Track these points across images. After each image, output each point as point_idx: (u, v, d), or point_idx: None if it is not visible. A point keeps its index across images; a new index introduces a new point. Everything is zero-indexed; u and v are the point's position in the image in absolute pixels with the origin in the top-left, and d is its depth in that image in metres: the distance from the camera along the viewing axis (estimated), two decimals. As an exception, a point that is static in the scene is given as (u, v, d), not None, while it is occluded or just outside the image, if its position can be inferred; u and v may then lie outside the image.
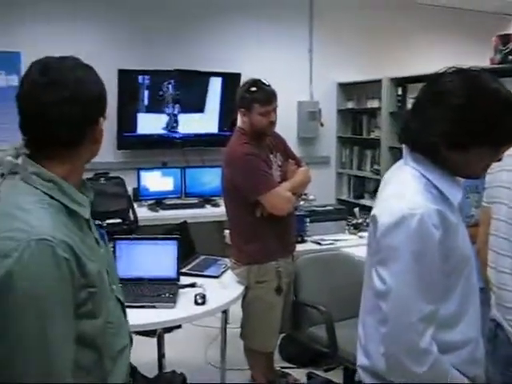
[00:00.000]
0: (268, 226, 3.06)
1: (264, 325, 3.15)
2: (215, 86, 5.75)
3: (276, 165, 3.17)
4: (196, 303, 2.73)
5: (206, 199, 5.43)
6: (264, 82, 3.08)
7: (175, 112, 5.62)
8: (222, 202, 5.31)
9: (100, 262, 1.42)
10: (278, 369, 3.70)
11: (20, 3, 5.16)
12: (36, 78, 1.33)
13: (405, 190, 1.51)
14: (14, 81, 4.99)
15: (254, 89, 3.04)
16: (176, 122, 5.64)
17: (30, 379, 1.20)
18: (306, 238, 4.09)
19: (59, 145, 1.36)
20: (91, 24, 5.41)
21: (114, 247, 2.95)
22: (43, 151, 1.37)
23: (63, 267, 1.23)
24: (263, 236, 3.07)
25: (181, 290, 2.88)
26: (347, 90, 6.50)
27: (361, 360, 1.67)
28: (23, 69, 4.37)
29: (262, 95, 3.03)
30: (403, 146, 1.64)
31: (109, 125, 5.25)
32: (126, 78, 5.30)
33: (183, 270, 3.12)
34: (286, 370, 3.78)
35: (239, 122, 3.21)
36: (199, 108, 5.73)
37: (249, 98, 3.03)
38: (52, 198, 1.34)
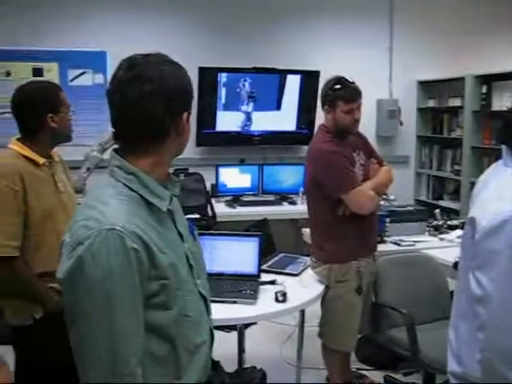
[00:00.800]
0: (350, 224, 3.02)
1: (344, 324, 3.12)
2: (293, 84, 5.75)
3: (359, 163, 3.13)
4: (276, 300, 2.73)
5: (282, 197, 5.43)
6: (348, 79, 3.04)
7: (251, 109, 5.66)
8: (298, 199, 5.36)
9: (176, 254, 1.43)
10: (355, 370, 3.66)
11: (106, 4, 5.34)
12: (122, 74, 1.37)
13: (507, 192, 1.45)
14: (100, 79, 5.17)
15: (338, 86, 3.00)
16: (250, 119, 5.67)
17: (96, 362, 1.25)
18: (385, 239, 4.02)
19: (144, 139, 1.39)
20: (173, 23, 5.53)
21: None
22: (129, 145, 1.41)
23: (131, 257, 1.26)
24: (345, 235, 3.03)
25: (261, 287, 2.89)
26: (428, 88, 6.34)
27: (452, 366, 1.62)
28: (109, 67, 4.55)
29: (346, 92, 2.99)
30: (502, 146, 1.58)
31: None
32: (206, 75, 5.38)
33: (263, 267, 3.13)
34: (363, 372, 3.73)
35: (324, 120, 3.19)
36: (276, 105, 5.74)
37: (333, 95, 3.00)
38: (131, 189, 1.37)
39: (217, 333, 3.32)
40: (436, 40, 6.21)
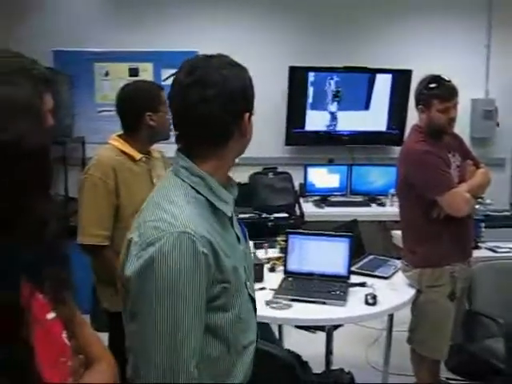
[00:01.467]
0: (444, 227, 2.92)
1: (436, 331, 3.01)
2: (384, 83, 5.62)
3: (454, 165, 3.02)
4: (366, 303, 2.68)
5: (371, 198, 5.34)
6: (444, 77, 2.95)
7: (337, 108, 5.59)
8: (388, 201, 5.25)
9: (237, 258, 1.45)
10: (444, 379, 3.54)
11: (197, 5, 5.43)
12: (182, 78, 1.38)
13: None
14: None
15: (433, 85, 2.92)
16: (336, 118, 5.60)
17: (156, 360, 1.26)
18: (480, 245, 3.86)
19: (207, 142, 1.40)
20: (264, 23, 5.54)
21: (286, 240, 3.01)
22: (191, 148, 1.42)
23: (201, 261, 1.28)
24: (438, 238, 2.94)
25: (350, 289, 2.85)
26: (528, 87, 6.03)
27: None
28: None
29: (442, 91, 2.90)
30: None
31: (278, 121, 5.38)
32: (297, 74, 5.39)
33: (352, 269, 3.08)
34: (452, 382, 3.60)
35: (417, 120, 3.10)
36: (365, 105, 5.65)
37: (428, 94, 2.92)
38: (198, 192, 1.38)
39: (302, 333, 3.33)
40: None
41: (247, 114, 1.42)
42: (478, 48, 5.96)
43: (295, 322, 2.64)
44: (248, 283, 1.54)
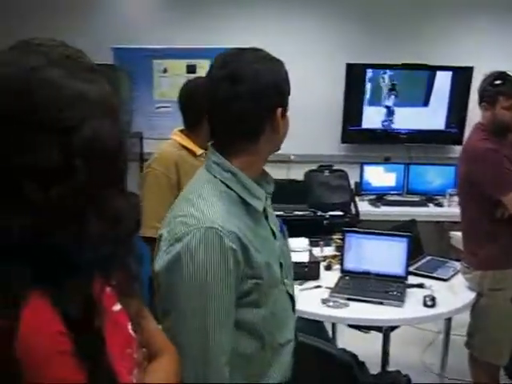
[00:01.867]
0: (508, 228, 2.83)
1: (497, 336, 2.92)
2: (443, 81, 5.49)
3: None
4: (425, 305, 2.62)
5: (428, 198, 5.22)
6: (510, 74, 2.87)
7: (394, 104, 5.49)
8: (445, 201, 5.13)
9: (271, 253, 1.43)
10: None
11: (251, 2, 5.43)
12: (215, 73, 1.37)
13: None
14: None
15: (499, 81, 2.84)
16: (393, 114, 5.51)
17: (187, 354, 1.24)
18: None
19: (238, 137, 1.38)
20: (321, 19, 5.49)
21: (343, 238, 2.98)
22: (223, 143, 1.41)
23: (229, 256, 1.26)
24: (502, 240, 2.85)
25: (408, 290, 2.79)
26: None
27: None
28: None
29: (508, 88, 2.82)
30: None
31: (334, 118, 5.33)
32: (354, 71, 5.33)
33: (410, 269, 3.02)
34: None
35: (480, 118, 3.01)
36: (423, 103, 5.53)
37: (493, 90, 2.84)
38: (229, 187, 1.37)
39: (354, 333, 3.27)
40: None
41: (280, 110, 1.39)
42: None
43: (352, 322, 2.61)
44: (286, 280, 1.52)
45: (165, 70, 5.47)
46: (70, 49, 0.91)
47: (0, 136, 0.80)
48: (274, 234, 1.51)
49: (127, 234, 0.90)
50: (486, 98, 2.89)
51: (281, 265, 1.49)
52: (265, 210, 1.48)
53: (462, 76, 5.39)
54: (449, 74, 5.47)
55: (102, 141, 0.85)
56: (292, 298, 1.57)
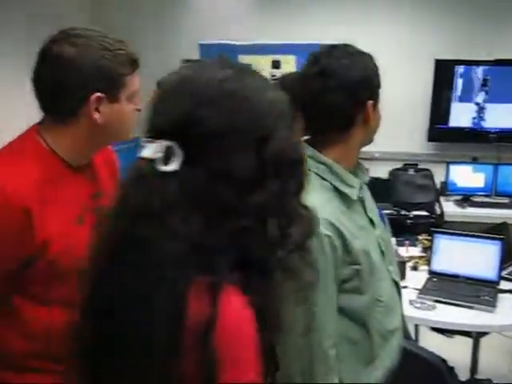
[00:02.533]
0: None
1: None
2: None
3: None
4: (519, 312, 2.52)
5: (517, 200, 5.00)
6: None
7: (484, 100, 5.27)
8: (537, 204, 4.89)
9: (368, 241, 1.46)
10: None
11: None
12: (307, 70, 1.45)
13: None
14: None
15: None
16: (483, 111, 5.29)
17: (293, 338, 1.29)
18: None
19: (330, 130, 1.45)
20: (408, 14, 5.35)
21: (431, 239, 2.90)
22: (317, 137, 1.48)
23: (324, 243, 1.31)
24: None
25: (500, 295, 2.68)
26: None
27: None
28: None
29: None
30: None
31: (421, 116, 5.19)
32: (442, 68, 5.16)
33: (502, 274, 2.90)
34: None
35: None
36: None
37: None
38: (323, 179, 1.42)
39: (438, 336, 3.15)
40: None
41: (370, 102, 1.45)
42: None
43: (441, 325, 2.53)
44: (390, 267, 1.55)
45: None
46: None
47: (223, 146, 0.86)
48: (372, 222, 1.54)
49: (302, 240, 0.93)
50: None
51: (382, 252, 1.52)
52: (362, 199, 1.52)
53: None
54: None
55: (289, 151, 0.90)
56: (398, 285, 1.59)
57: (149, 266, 0.83)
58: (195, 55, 5.30)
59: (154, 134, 0.88)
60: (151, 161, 0.85)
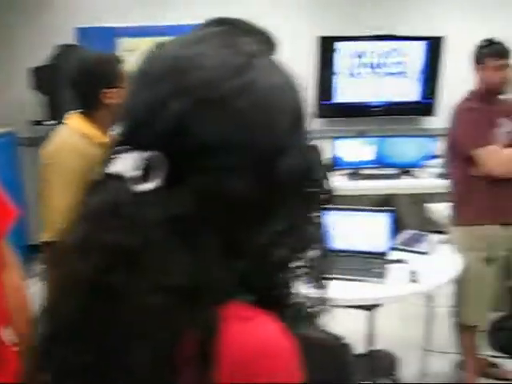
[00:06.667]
0: (484, 188, 2.92)
1: (472, 296, 2.99)
2: (417, 51, 5.42)
3: (505, 129, 2.97)
4: (408, 281, 2.56)
5: (404, 170, 5.17)
6: (497, 39, 3.00)
7: (372, 79, 5.40)
8: (421, 173, 5.08)
9: None
10: (486, 357, 3.41)
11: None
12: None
13: None
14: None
15: (486, 44, 2.98)
16: (369, 88, 5.42)
17: None
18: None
19: None
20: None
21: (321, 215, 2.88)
22: None
23: None
24: (476, 198, 2.95)
25: (390, 266, 2.72)
26: None
27: None
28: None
29: (495, 49, 2.95)
30: None
31: (306, 92, 5.25)
32: (324, 45, 5.22)
33: (390, 245, 2.96)
34: (496, 360, 3.47)
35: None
36: (397, 74, 5.45)
37: (482, 52, 2.98)
38: None
39: (340, 310, 3.18)
40: None
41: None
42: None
43: (333, 302, 2.52)
44: None
45: (131, 50, 5.27)
46: None
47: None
48: None
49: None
50: (476, 61, 3.00)
51: None
52: None
53: (434, 46, 5.33)
54: (421, 44, 5.40)
55: (305, 169, 0.71)
56: None
57: (124, 325, 0.62)
58: (72, 40, 5.02)
59: (130, 141, 0.66)
60: (124, 179, 0.64)
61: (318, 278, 0.79)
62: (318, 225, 0.76)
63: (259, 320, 0.65)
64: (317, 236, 0.76)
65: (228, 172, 0.64)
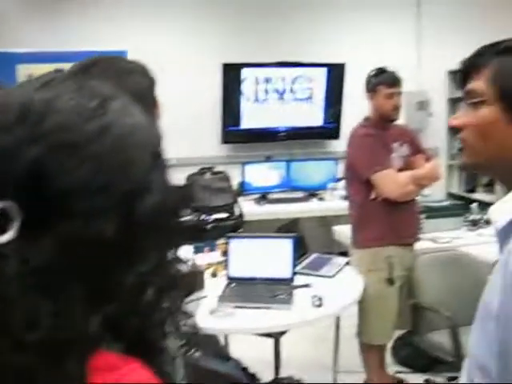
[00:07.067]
0: (382, 210, 3.01)
1: (375, 315, 3.08)
2: (319, 78, 5.59)
3: (398, 153, 3.12)
4: (313, 305, 2.60)
5: (311, 193, 5.29)
6: (389, 68, 3.13)
7: (276, 104, 5.51)
8: (328, 196, 5.22)
9: None
10: (393, 373, 3.52)
11: (127, 3, 5.23)
12: None
13: None
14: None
15: (379, 72, 3.09)
16: (274, 114, 5.52)
17: None
18: (420, 236, 3.85)
19: None
20: (195, 20, 5.39)
21: (227, 244, 2.89)
22: None
23: None
24: (376, 221, 3.03)
25: (295, 291, 2.76)
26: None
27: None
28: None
29: (387, 77, 3.06)
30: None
31: (214, 119, 5.27)
32: (230, 71, 5.28)
33: (296, 270, 3.00)
34: (401, 375, 3.58)
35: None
36: (301, 99, 5.60)
37: (374, 81, 3.07)
38: None
39: (249, 338, 3.19)
40: (466, 29, 5.96)
41: None
42: (410, 41, 6.03)
43: (240, 331, 2.52)
44: None
45: (30, 76, 5.11)
46: None
47: None
48: None
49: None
50: (369, 88, 3.09)
51: None
52: None
53: (335, 72, 5.52)
54: (323, 70, 5.58)
55: (168, 204, 0.69)
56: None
57: None
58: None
59: None
60: None
61: (187, 316, 0.77)
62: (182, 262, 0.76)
63: (127, 368, 0.63)
64: (182, 274, 0.76)
65: (91, 215, 0.62)
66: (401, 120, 5.72)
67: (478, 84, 1.04)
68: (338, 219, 4.50)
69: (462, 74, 1.10)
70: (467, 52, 1.14)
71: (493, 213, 1.02)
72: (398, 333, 3.54)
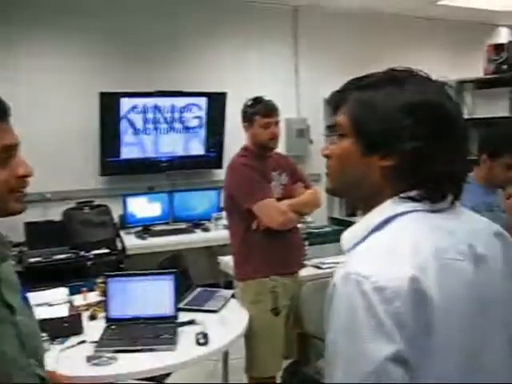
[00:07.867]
0: (265, 240, 2.96)
1: (262, 347, 3.00)
2: (200, 107, 5.56)
3: (278, 182, 3.10)
4: (198, 343, 2.50)
5: (195, 224, 5.21)
6: (265, 97, 3.09)
7: (156, 134, 5.40)
8: (212, 225, 5.16)
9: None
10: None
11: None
12: None
13: None
14: None
15: (255, 102, 3.05)
16: (155, 144, 5.41)
17: None
18: (305, 263, 3.88)
19: None
20: (72, 48, 5.17)
21: (105, 284, 2.74)
22: None
23: None
24: (259, 251, 2.98)
25: (180, 329, 2.64)
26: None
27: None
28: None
29: (263, 107, 3.02)
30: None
31: (91, 151, 5.07)
32: (108, 101, 5.07)
33: (180, 305, 2.89)
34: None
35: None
36: (182, 129, 5.52)
37: (250, 111, 3.03)
38: None
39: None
40: (341, 59, 6.21)
41: None
42: (289, 70, 6.19)
43: (121, 378, 2.35)
44: (32, 361, 1.29)
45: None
46: None
47: None
48: (11, 308, 1.24)
49: None
50: (246, 119, 3.06)
51: (23, 345, 1.23)
52: None
53: (216, 101, 5.51)
54: (204, 99, 5.55)
55: None
56: (44, 380, 1.32)
57: None
58: None
59: None
60: None
61: None
62: None
63: None
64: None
65: None
66: (282, 147, 5.88)
67: (340, 118, 1.12)
68: (222, 249, 4.44)
69: (331, 107, 1.18)
70: (341, 83, 1.17)
71: (342, 240, 1.12)
72: (285, 363, 3.51)
